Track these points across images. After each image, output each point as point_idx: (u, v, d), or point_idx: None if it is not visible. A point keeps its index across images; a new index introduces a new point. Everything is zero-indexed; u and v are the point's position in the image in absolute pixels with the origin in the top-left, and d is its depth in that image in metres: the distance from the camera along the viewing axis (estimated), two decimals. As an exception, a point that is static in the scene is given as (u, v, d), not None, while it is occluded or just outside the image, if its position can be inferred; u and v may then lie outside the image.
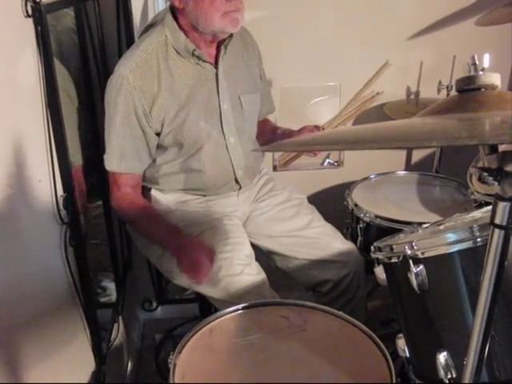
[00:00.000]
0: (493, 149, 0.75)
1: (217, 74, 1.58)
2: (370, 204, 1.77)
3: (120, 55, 1.85)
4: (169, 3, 1.54)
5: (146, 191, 1.69)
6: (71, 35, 1.69)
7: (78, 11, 1.67)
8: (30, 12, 1.23)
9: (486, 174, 0.72)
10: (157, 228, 1.58)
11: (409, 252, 1.15)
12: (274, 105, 1.92)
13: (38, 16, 1.23)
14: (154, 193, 1.68)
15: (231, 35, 1.56)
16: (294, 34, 2.01)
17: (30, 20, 1.25)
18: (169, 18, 1.52)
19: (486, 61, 0.85)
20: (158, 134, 1.56)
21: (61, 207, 1.42)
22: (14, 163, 1.22)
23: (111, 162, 1.56)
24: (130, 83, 1.47)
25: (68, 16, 1.65)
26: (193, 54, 1.52)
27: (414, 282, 1.11)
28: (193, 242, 1.51)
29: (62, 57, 1.57)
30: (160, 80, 1.50)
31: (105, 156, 1.57)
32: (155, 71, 1.49)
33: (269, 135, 1.85)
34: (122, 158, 1.54)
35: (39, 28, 1.24)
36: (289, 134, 1.79)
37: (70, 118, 1.57)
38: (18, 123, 1.25)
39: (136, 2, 1.90)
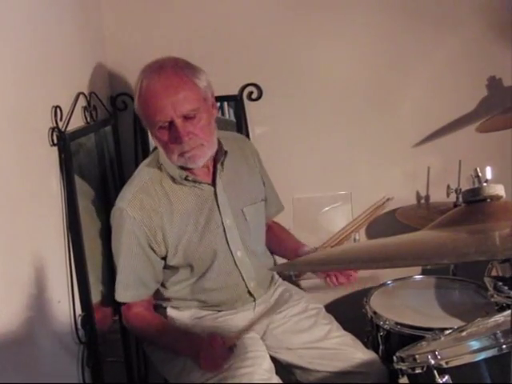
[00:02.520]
0: (505, 257, 0.76)
1: (215, 193, 1.59)
2: (389, 311, 1.74)
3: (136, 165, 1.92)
4: None
5: (161, 310, 1.68)
6: (91, 150, 1.77)
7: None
8: (55, 141, 1.32)
9: (500, 283, 0.72)
10: (169, 338, 1.58)
11: (432, 362, 1.12)
12: (287, 216, 1.95)
13: (63, 144, 1.31)
14: (169, 311, 1.67)
15: (225, 152, 1.58)
16: (304, 148, 2.10)
17: (55, 148, 1.33)
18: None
19: (489, 173, 0.88)
20: (164, 258, 1.57)
21: (79, 326, 1.42)
22: (34, 285, 1.24)
23: (119, 294, 1.57)
24: (128, 215, 1.49)
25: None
26: (187, 179, 1.54)
27: (442, 394, 1.08)
28: (207, 338, 1.50)
29: (82, 172, 1.63)
30: (159, 207, 1.52)
31: (115, 286, 1.57)
32: (153, 199, 1.52)
33: (290, 254, 1.77)
34: (127, 288, 1.56)
35: (63, 155, 1.32)
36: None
37: (88, 237, 1.61)
38: (40, 245, 1.28)
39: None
